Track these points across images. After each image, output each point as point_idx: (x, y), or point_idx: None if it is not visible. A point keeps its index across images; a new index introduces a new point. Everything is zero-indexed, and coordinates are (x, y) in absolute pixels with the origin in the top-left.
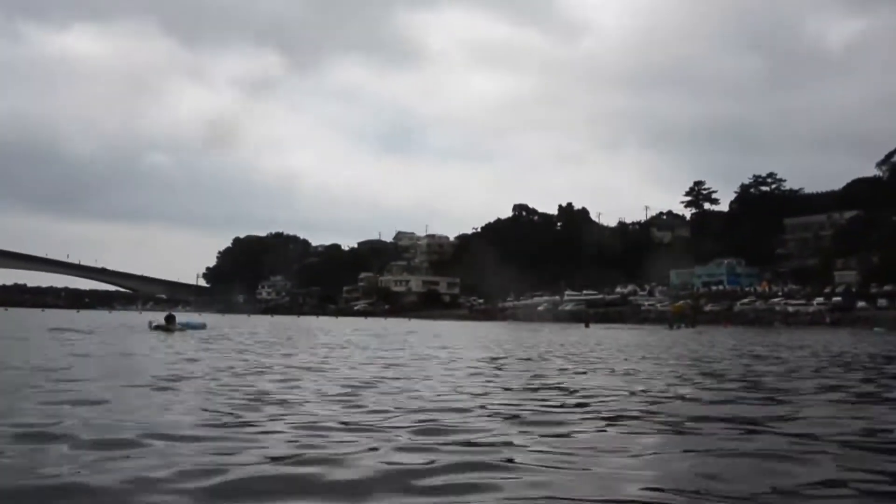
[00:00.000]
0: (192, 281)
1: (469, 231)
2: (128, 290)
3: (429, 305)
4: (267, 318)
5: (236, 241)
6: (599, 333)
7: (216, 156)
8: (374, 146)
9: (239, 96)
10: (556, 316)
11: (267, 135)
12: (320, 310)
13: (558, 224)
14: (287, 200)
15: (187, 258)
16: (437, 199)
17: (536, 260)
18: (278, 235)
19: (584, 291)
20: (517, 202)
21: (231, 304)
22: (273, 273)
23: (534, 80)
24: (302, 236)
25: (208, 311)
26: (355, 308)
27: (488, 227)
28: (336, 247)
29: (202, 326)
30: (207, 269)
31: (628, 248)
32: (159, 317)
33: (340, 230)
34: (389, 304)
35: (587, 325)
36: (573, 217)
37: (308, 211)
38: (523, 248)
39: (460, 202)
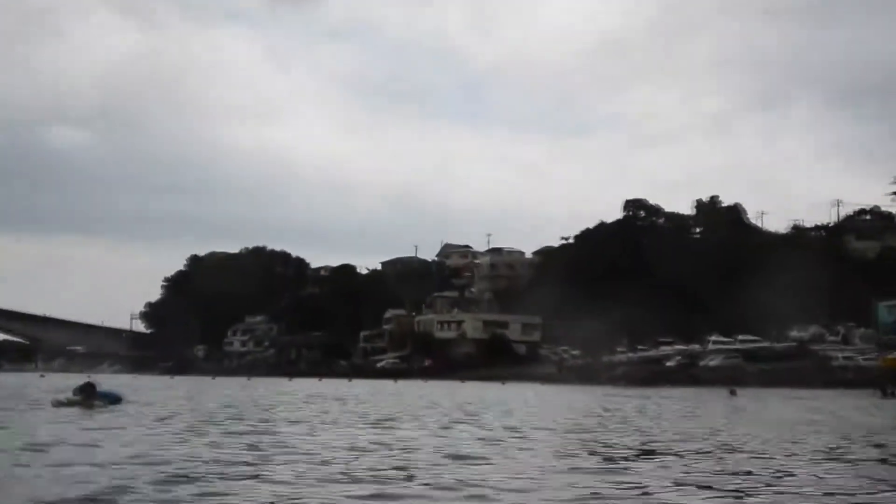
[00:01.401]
0: (124, 325)
1: (554, 243)
2: (21, 340)
3: (493, 359)
4: (240, 382)
5: (193, 261)
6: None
7: (158, 127)
8: (401, 113)
9: (193, 31)
10: (693, 376)
11: (239, 96)
12: (325, 367)
13: (696, 229)
14: (272, 197)
15: (117, 289)
16: (502, 193)
17: (662, 286)
18: (258, 252)
19: (739, 337)
20: (629, 196)
21: (186, 360)
22: (251, 311)
23: (648, 7)
24: (295, 253)
25: (150, 371)
26: (379, 365)
27: (584, 237)
28: (348, 269)
29: (117, 400)
30: (148, 305)
31: (807, 266)
32: (72, 383)
33: (355, 243)
34: (432, 359)
35: (733, 393)
36: (718, 218)
37: (304, 213)
38: (641, 268)
39: (539, 199)
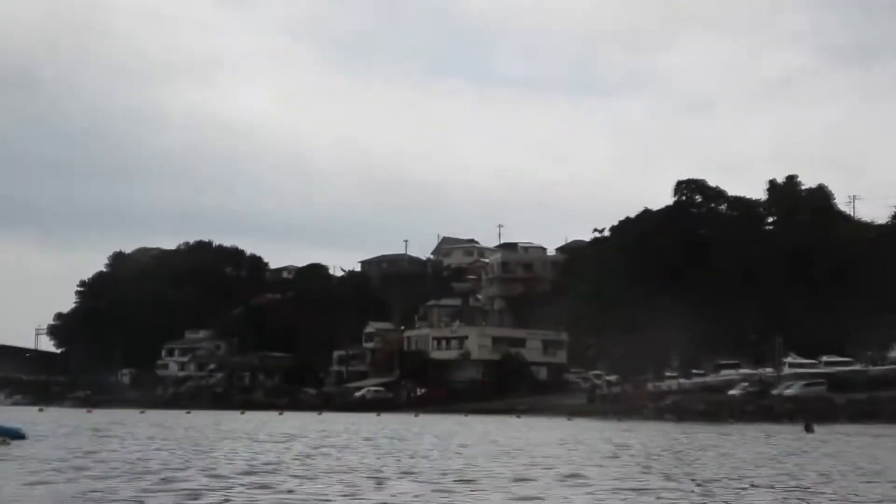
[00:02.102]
0: (26, 342)
1: (584, 236)
2: None
3: (506, 386)
4: (176, 416)
5: (117, 259)
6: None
7: (68, 92)
8: (383, 73)
9: None
10: (765, 407)
11: (174, 51)
12: (288, 397)
13: (768, 218)
14: (219, 179)
15: (16, 297)
16: (515, 173)
17: (724, 292)
18: (201, 248)
19: (824, 358)
20: (680, 176)
21: (106, 387)
22: (192, 325)
23: None
24: (249, 250)
25: (58, 403)
26: (357, 394)
27: (623, 229)
28: (318, 270)
29: (19, 435)
30: (58, 317)
31: None
32: None
33: (326, 237)
34: (427, 386)
35: (809, 429)
36: (798, 203)
37: (260, 199)
38: (696, 268)
39: (563, 180)
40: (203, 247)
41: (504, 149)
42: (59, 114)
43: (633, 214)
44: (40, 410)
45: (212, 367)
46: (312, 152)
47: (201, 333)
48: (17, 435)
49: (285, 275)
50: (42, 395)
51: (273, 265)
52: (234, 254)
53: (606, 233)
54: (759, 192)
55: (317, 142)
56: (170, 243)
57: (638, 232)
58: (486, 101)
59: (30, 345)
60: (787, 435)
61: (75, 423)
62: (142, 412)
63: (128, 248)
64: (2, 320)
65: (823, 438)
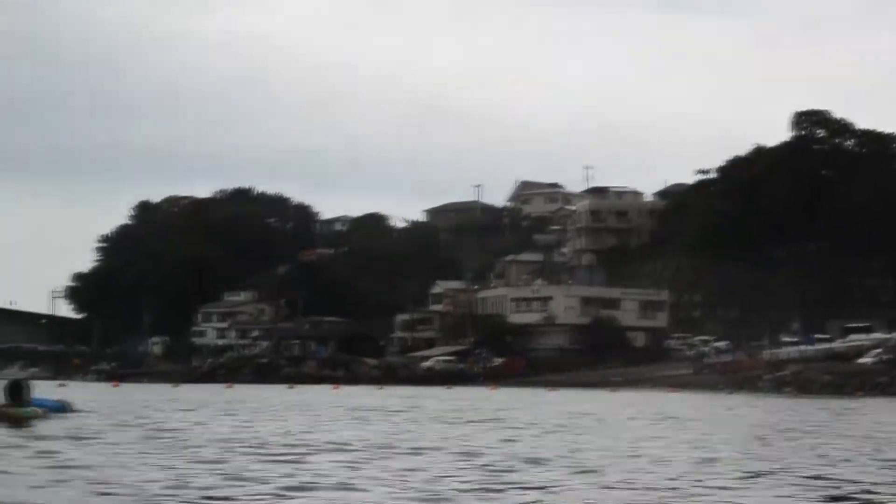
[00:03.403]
0: (41, 307)
1: (686, 179)
2: None
3: (597, 355)
4: (215, 392)
5: (143, 210)
6: None
7: (76, 12)
8: None
9: None
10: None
11: None
12: (344, 368)
13: None
14: (259, 116)
15: (29, 256)
16: (603, 104)
17: (853, 243)
18: (240, 196)
19: None
20: (799, 107)
21: (133, 358)
22: (231, 285)
23: None
24: (297, 197)
25: (80, 376)
26: (424, 365)
27: (733, 170)
28: (377, 221)
29: (61, 408)
30: (77, 278)
31: None
32: None
33: (386, 182)
34: (504, 355)
35: None
36: None
37: (309, 138)
38: (820, 215)
39: (659, 112)
40: (242, 195)
41: (591, 78)
42: (70, 39)
43: (743, 153)
44: (61, 385)
45: (255, 334)
46: (365, 82)
47: (242, 296)
48: (60, 407)
49: (338, 227)
50: (61, 367)
51: (324, 216)
52: (279, 202)
53: (712, 175)
54: (892, 125)
55: (369, 70)
56: (204, 191)
57: (749, 173)
58: (567, 23)
59: (45, 310)
60: None
61: (113, 399)
62: (174, 386)
63: (155, 198)
64: (13, 282)
65: None
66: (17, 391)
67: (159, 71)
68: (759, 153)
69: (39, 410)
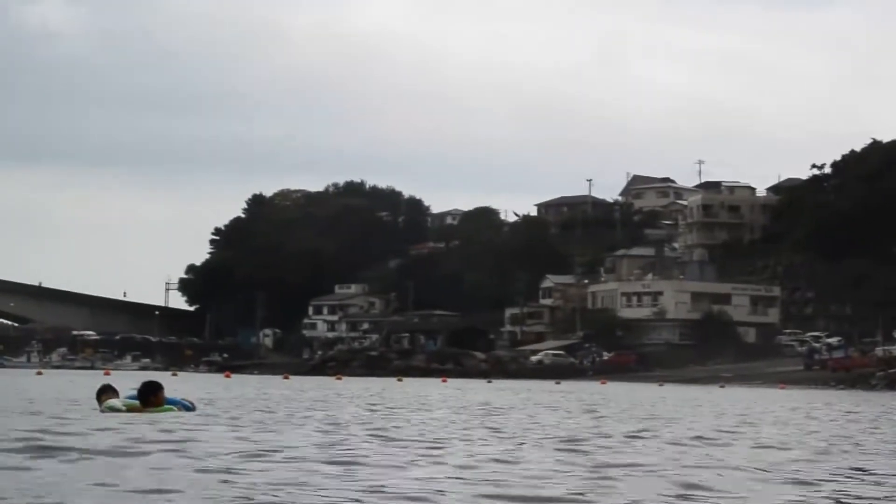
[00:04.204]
0: (156, 299)
1: (800, 174)
2: (6, 322)
3: (707, 350)
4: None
5: (256, 204)
6: None
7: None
8: None
9: None
10: None
11: None
12: (454, 361)
13: None
14: (370, 109)
15: (144, 247)
16: (717, 100)
17: None
18: (352, 189)
19: None
20: None
21: (244, 349)
22: (343, 278)
23: None
24: (408, 191)
25: (192, 367)
26: (534, 359)
27: (848, 165)
28: (488, 215)
29: (188, 409)
30: (190, 270)
31: None
32: (89, 380)
33: (497, 176)
34: (615, 349)
35: None
36: None
37: (420, 132)
38: None
39: (772, 106)
40: (354, 189)
41: (703, 72)
42: (182, 35)
43: (858, 148)
44: (173, 375)
45: (365, 327)
46: (475, 76)
47: (353, 289)
48: (188, 408)
49: (449, 220)
50: (174, 358)
51: (435, 209)
52: (390, 196)
53: (827, 170)
54: None
55: (479, 64)
56: (316, 185)
57: (865, 168)
58: (677, 14)
59: (159, 302)
60: None
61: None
62: (285, 378)
63: (268, 191)
64: (127, 274)
65: None
66: (151, 389)
67: (272, 65)
68: (875, 148)
69: (175, 409)
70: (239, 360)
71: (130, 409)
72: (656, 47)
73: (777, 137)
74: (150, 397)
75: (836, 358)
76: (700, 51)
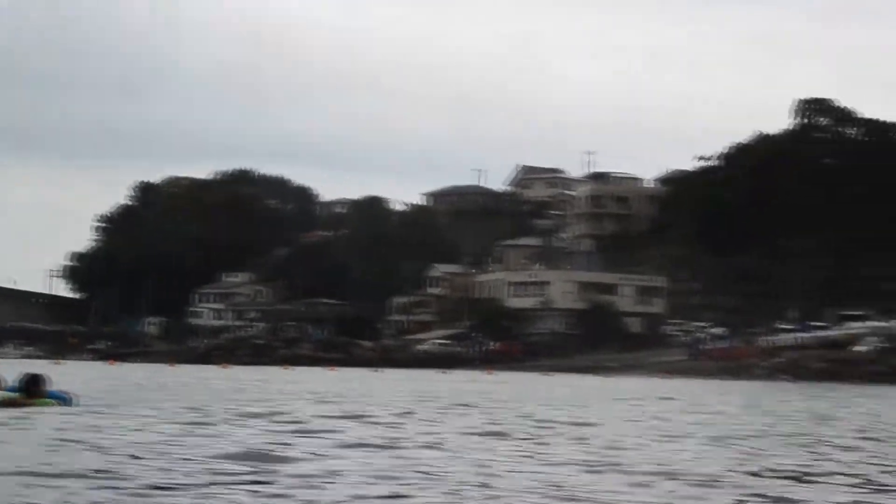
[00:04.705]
0: (37, 286)
1: (687, 165)
2: None
3: (593, 340)
4: (210, 373)
5: (143, 191)
6: None
7: None
8: None
9: None
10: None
11: None
12: (341, 350)
13: None
14: (260, 95)
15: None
16: (608, 92)
17: (853, 231)
18: (241, 177)
19: None
20: (803, 94)
21: (130, 337)
22: (229, 266)
23: None
24: (297, 179)
25: (76, 355)
26: (421, 348)
27: (734, 157)
28: (377, 204)
29: (67, 401)
30: (73, 257)
31: None
32: None
33: (386, 165)
34: (500, 339)
35: None
36: None
37: (310, 119)
38: (820, 204)
39: (662, 98)
40: (242, 176)
41: (593, 62)
42: (67, 21)
43: (744, 140)
44: (56, 364)
45: (252, 315)
46: (365, 65)
47: (240, 277)
48: (66, 400)
49: (338, 209)
50: (58, 346)
51: (324, 198)
52: (279, 184)
53: (714, 162)
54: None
55: (371, 49)
56: (204, 172)
57: (750, 162)
58: (568, 10)
59: (41, 289)
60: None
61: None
62: (172, 366)
63: (155, 178)
64: (9, 260)
65: None
66: (35, 384)
67: (159, 50)
68: (762, 140)
69: (54, 402)
70: (124, 349)
71: (5, 402)
72: (550, 38)
73: (666, 130)
74: (32, 389)
75: (720, 348)
76: (593, 42)
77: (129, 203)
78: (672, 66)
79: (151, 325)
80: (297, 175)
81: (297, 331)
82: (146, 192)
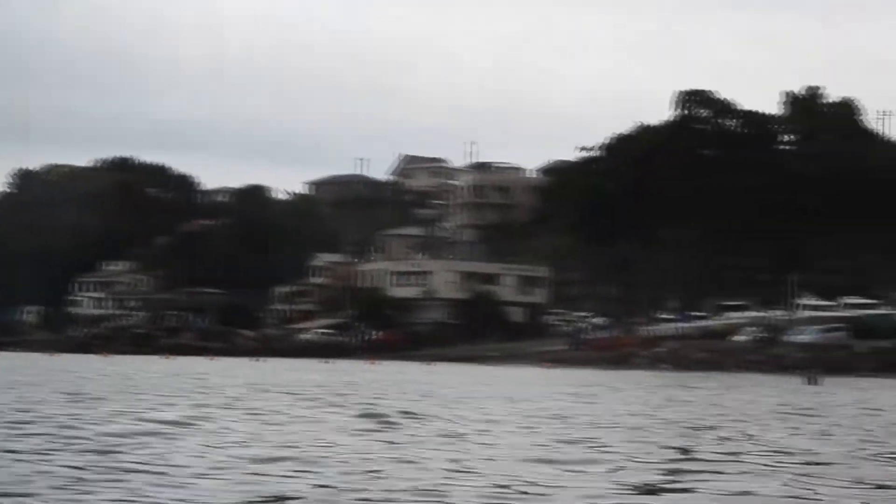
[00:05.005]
0: None
1: (569, 156)
2: None
3: (476, 330)
4: (89, 362)
5: (21, 179)
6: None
7: None
8: None
9: None
10: (775, 357)
11: None
12: (223, 340)
13: (785, 136)
14: (139, 81)
15: None
16: (490, 81)
17: (732, 221)
18: (120, 165)
19: (846, 300)
20: (683, 86)
21: (7, 326)
22: (109, 255)
23: None
24: (178, 167)
25: None
26: (303, 337)
27: (615, 148)
28: (258, 193)
29: None
30: None
31: None
32: None
33: (268, 154)
34: (384, 328)
35: (813, 381)
36: (821, 119)
37: (190, 107)
38: (700, 194)
39: (545, 88)
40: (122, 164)
41: (475, 51)
42: None
43: (625, 131)
44: None
45: (133, 304)
46: (248, 52)
47: (120, 265)
48: None
49: (220, 198)
50: None
51: (205, 186)
52: (159, 172)
53: (596, 152)
54: (773, 107)
55: (252, 40)
56: (83, 160)
57: (631, 152)
58: None
59: None
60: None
61: None
62: (52, 355)
63: (32, 165)
64: None
65: (829, 391)
66: None
67: (37, 34)
68: (643, 132)
69: None
70: (1, 338)
71: None
72: (433, 25)
73: (547, 118)
74: None
75: (600, 338)
76: (476, 31)
77: (8, 190)
78: (556, 57)
79: (29, 314)
80: (178, 163)
81: (178, 320)
82: (25, 179)
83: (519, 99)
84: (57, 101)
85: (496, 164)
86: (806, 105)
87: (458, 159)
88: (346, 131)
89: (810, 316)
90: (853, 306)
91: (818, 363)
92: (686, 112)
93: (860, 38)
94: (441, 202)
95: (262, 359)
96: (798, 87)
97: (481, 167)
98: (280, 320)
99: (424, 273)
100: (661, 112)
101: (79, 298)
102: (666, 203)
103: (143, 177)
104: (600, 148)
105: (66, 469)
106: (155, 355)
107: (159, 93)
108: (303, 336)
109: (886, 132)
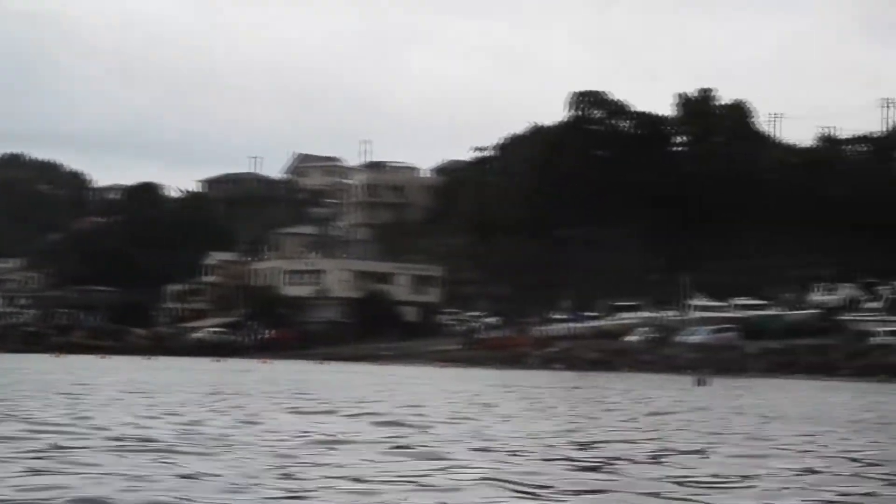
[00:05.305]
0: None
1: (463, 156)
2: None
3: (369, 329)
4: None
5: None
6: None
7: None
8: None
9: None
10: (666, 357)
11: None
12: (114, 338)
13: (677, 138)
14: (30, 76)
15: None
16: (384, 80)
17: (622, 222)
18: (11, 162)
19: (736, 301)
20: (578, 87)
21: None
22: (2, 252)
23: None
24: (70, 164)
25: None
26: (195, 336)
27: (509, 148)
28: (151, 190)
29: None
30: None
31: (843, 197)
32: None
33: (161, 152)
34: (277, 327)
35: (702, 382)
36: (712, 121)
37: (82, 104)
38: (592, 195)
39: (440, 89)
40: (12, 161)
41: (370, 52)
42: None
43: (519, 131)
44: None
45: (23, 302)
46: (141, 50)
47: (10, 263)
48: None
49: (112, 195)
50: None
51: (97, 183)
52: (50, 169)
53: (490, 152)
54: (666, 108)
55: (146, 37)
56: None
57: (525, 153)
58: None
59: None
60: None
61: None
62: None
63: None
64: None
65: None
66: None
67: None
68: (537, 132)
69: None
70: None
71: None
72: (326, 23)
73: (442, 118)
74: None
75: (493, 337)
76: (371, 32)
77: None
78: (450, 58)
79: None
80: (70, 160)
81: (69, 318)
82: None
83: (413, 100)
84: None
85: (390, 164)
86: (699, 107)
87: (352, 158)
88: (239, 130)
89: (702, 316)
90: (744, 307)
91: (709, 363)
92: (580, 113)
93: (760, 35)
94: (335, 201)
95: (153, 357)
96: (692, 89)
97: (375, 166)
98: (173, 319)
99: (318, 272)
100: (555, 114)
101: None
102: (559, 203)
103: (33, 173)
104: (494, 148)
105: None
106: (46, 353)
107: (52, 90)
108: (195, 335)
109: (778, 134)
